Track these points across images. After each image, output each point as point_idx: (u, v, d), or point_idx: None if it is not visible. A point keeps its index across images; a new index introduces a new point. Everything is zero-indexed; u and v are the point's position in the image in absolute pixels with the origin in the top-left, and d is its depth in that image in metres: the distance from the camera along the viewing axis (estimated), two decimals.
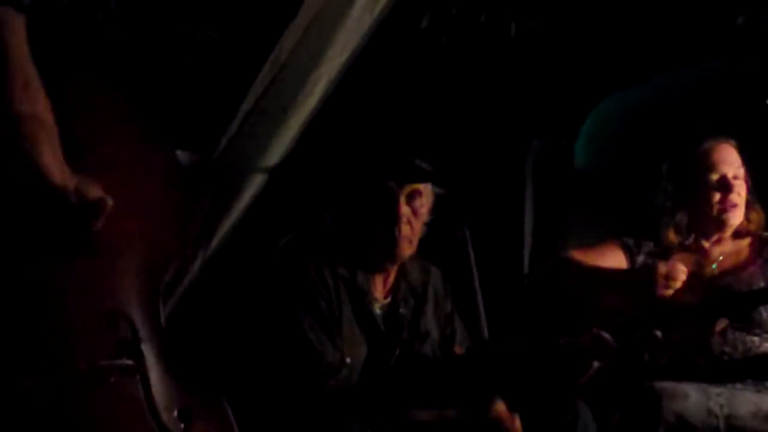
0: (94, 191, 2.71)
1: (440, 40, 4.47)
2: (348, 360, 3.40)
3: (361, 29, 3.83)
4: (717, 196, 3.85)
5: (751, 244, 3.91)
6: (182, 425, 2.88)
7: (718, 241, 3.92)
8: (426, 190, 3.50)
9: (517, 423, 3.36)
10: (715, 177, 3.85)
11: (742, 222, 3.90)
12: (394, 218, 3.44)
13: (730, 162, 3.87)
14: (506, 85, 4.68)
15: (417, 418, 3.34)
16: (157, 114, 3.12)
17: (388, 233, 3.44)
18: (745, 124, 4.08)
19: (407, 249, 3.49)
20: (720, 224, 3.88)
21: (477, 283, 3.52)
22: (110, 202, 2.72)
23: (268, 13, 3.90)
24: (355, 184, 3.51)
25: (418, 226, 3.50)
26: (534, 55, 4.63)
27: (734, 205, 3.85)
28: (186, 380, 2.93)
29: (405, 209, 3.45)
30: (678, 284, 3.69)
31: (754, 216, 3.91)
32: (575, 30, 4.60)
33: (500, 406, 3.37)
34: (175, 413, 2.87)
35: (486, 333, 3.56)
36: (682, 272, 3.70)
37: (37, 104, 2.56)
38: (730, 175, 3.85)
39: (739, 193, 3.86)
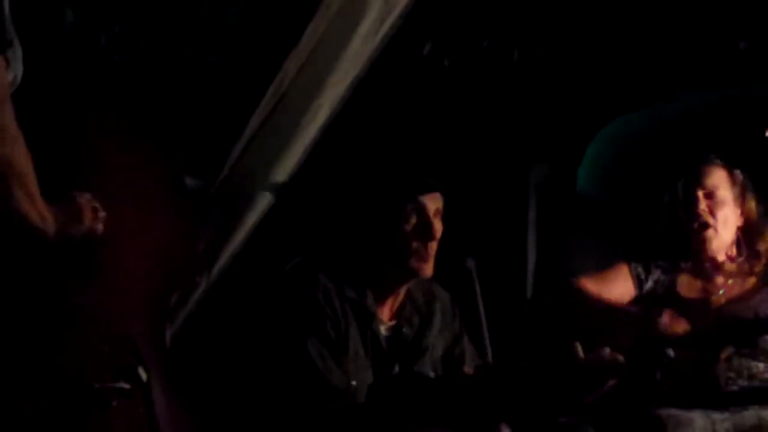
0: (80, 224, 2.71)
1: (443, 65, 4.47)
2: (354, 383, 3.38)
3: (363, 56, 3.83)
4: (683, 215, 3.86)
5: (758, 272, 3.89)
6: None
7: (718, 267, 3.90)
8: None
9: None
10: (682, 194, 3.86)
11: (752, 249, 3.88)
12: (431, 235, 3.42)
13: (703, 180, 3.86)
14: (509, 110, 4.69)
15: None
16: (162, 140, 3.12)
17: (420, 250, 3.42)
18: (750, 151, 4.07)
19: (431, 268, 3.46)
20: (697, 244, 3.87)
21: (482, 313, 3.50)
22: (100, 229, 2.72)
23: (271, 38, 3.91)
24: (380, 202, 3.49)
25: (437, 246, 3.49)
26: (537, 81, 4.64)
27: (703, 223, 3.84)
28: (190, 404, 2.94)
29: (439, 225, 3.45)
30: (679, 328, 3.70)
31: (763, 242, 3.90)
32: (578, 55, 4.61)
33: (505, 428, 3.35)
34: None
35: (490, 352, 3.54)
36: (681, 326, 3.70)
37: (7, 147, 2.48)
38: (699, 193, 3.84)
39: (710, 211, 3.85)
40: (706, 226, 3.85)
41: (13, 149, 2.50)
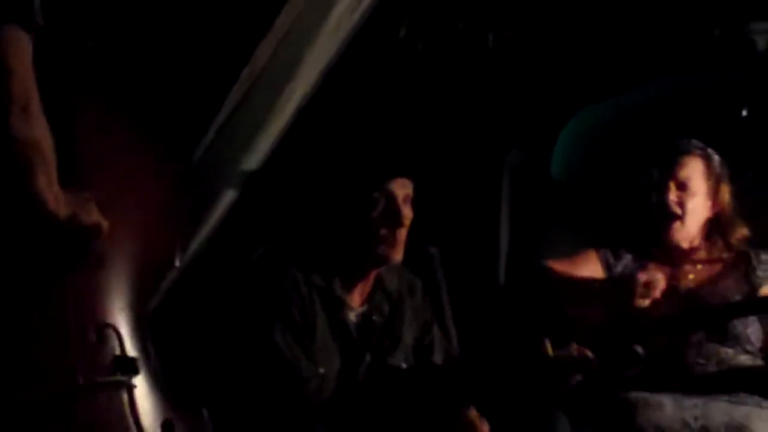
0: (90, 216, 2.72)
1: (417, 49, 4.47)
2: (321, 370, 3.40)
3: (337, 40, 3.82)
4: (653, 196, 3.88)
5: (727, 258, 3.92)
6: None
7: (684, 252, 3.92)
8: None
9: (486, 428, 3.36)
10: (655, 179, 3.87)
11: (725, 240, 3.90)
12: (398, 221, 3.42)
13: (677, 170, 3.87)
14: (484, 95, 4.69)
15: None
16: (144, 124, 3.12)
17: (388, 236, 3.42)
18: (723, 137, 4.08)
19: (401, 254, 3.47)
20: (663, 231, 3.89)
21: (446, 301, 3.52)
22: (105, 225, 2.74)
23: (247, 23, 3.90)
24: (346, 187, 3.50)
25: (406, 232, 3.50)
26: (512, 66, 4.64)
27: (671, 213, 3.86)
28: (168, 392, 2.94)
29: (408, 212, 3.45)
30: (657, 293, 3.70)
31: (736, 233, 3.92)
32: (553, 41, 4.61)
33: (471, 411, 3.37)
34: (159, 427, 2.89)
35: (456, 342, 3.55)
36: (660, 280, 3.71)
37: (34, 129, 2.53)
38: (672, 183, 3.86)
39: (679, 201, 3.86)
40: (672, 216, 3.87)
41: (40, 132, 2.53)
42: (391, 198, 3.43)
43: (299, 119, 3.86)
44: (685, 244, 3.90)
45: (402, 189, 3.45)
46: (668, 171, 3.89)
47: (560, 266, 3.93)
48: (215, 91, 3.83)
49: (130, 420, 2.82)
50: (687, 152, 3.92)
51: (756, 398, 3.66)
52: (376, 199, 3.43)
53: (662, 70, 4.61)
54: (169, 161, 3.17)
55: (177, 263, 3.10)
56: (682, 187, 3.87)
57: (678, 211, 3.86)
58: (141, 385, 2.86)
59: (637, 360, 3.63)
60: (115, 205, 2.85)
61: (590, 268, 3.96)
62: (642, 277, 3.71)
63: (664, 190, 3.86)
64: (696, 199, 3.87)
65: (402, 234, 3.44)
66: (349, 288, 3.51)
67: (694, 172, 3.89)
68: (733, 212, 3.92)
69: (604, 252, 3.98)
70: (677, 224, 3.87)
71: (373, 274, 3.54)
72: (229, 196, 3.82)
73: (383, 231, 3.42)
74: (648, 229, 3.94)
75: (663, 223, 3.88)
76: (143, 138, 3.09)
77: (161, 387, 2.92)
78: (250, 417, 3.36)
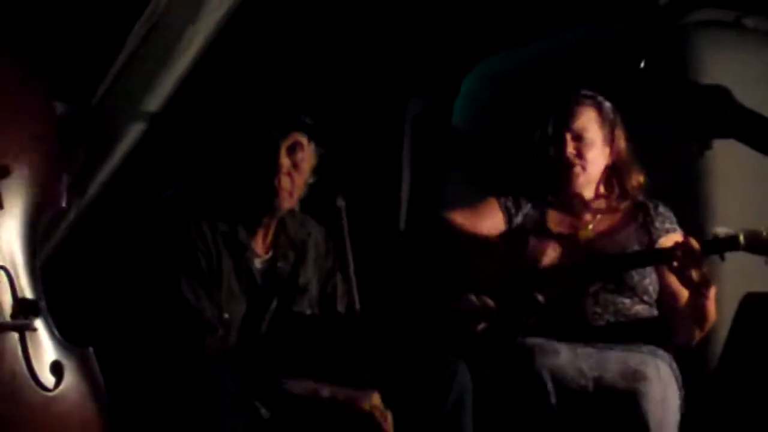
0: None
1: None
2: (226, 316, 3.38)
3: None
4: (552, 150, 3.90)
5: (626, 208, 3.95)
6: (54, 380, 2.88)
7: (584, 203, 3.95)
8: (308, 145, 3.48)
9: (390, 419, 3.37)
10: (551, 132, 3.89)
11: (621, 186, 3.94)
12: (274, 168, 3.42)
13: (573, 120, 3.90)
14: (385, 42, 4.67)
15: (291, 390, 3.34)
16: (33, 63, 3.05)
17: (267, 184, 3.42)
18: (621, 88, 4.11)
19: (287, 201, 3.47)
20: (564, 181, 3.92)
21: (350, 253, 3.51)
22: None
23: None
24: (237, 135, 3.48)
25: (300, 181, 3.48)
26: (413, 13, 4.63)
27: (572, 164, 3.88)
28: (56, 333, 2.92)
29: (285, 160, 3.43)
30: (547, 260, 3.74)
31: (632, 179, 3.95)
32: None
33: (375, 398, 3.37)
34: (48, 368, 2.87)
35: (356, 294, 3.55)
36: (548, 256, 3.74)
37: None
38: (568, 135, 3.88)
39: (579, 153, 3.89)
40: (572, 167, 3.89)
41: None
42: (273, 146, 3.42)
43: (202, 62, 3.82)
44: (587, 193, 3.93)
45: (288, 138, 3.45)
46: (563, 123, 3.91)
47: (461, 217, 3.93)
48: (116, 32, 3.76)
49: (23, 363, 2.83)
50: (579, 103, 3.93)
51: (651, 347, 3.71)
52: (258, 147, 3.42)
53: (564, 21, 4.63)
54: (53, 101, 3.10)
55: (63, 204, 3.05)
56: (578, 138, 3.89)
57: (577, 162, 3.88)
58: (32, 326, 2.87)
59: (536, 307, 3.66)
60: (8, 146, 2.82)
61: (492, 217, 3.96)
62: (532, 245, 3.74)
63: (562, 143, 3.88)
64: (594, 149, 3.89)
65: (283, 182, 3.44)
66: (253, 234, 3.50)
67: (589, 122, 3.91)
68: (629, 158, 3.95)
69: (505, 201, 3.98)
70: (577, 171, 3.89)
71: (272, 222, 3.53)
72: (129, 138, 3.78)
73: (265, 178, 3.42)
74: (548, 180, 3.95)
75: (563, 174, 3.90)
76: (26, 77, 3.03)
77: (51, 329, 2.93)
78: (153, 363, 3.34)
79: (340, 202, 3.50)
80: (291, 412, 3.32)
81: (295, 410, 3.32)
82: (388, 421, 3.35)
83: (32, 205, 2.94)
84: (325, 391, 3.35)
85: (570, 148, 3.87)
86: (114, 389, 3.03)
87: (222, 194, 3.50)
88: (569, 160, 3.87)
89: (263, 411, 3.29)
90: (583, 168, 3.89)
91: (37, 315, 2.86)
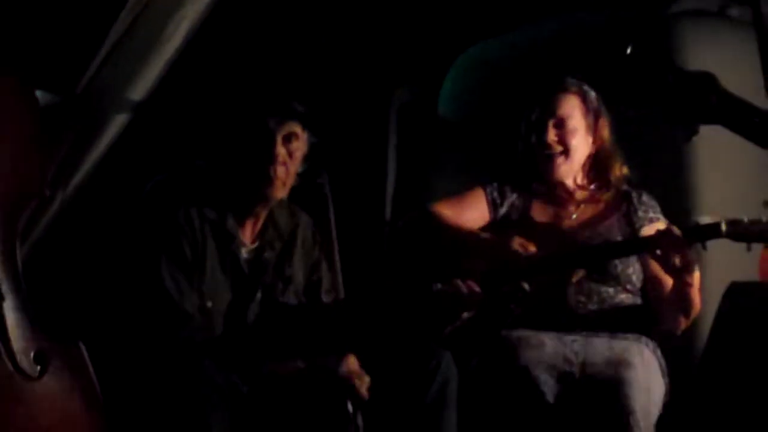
0: None
1: None
2: (209, 304, 3.39)
3: None
4: (533, 138, 3.90)
5: (610, 198, 3.96)
6: (38, 368, 2.88)
7: (569, 192, 3.95)
8: (302, 134, 3.49)
9: (367, 380, 3.38)
10: (533, 119, 3.89)
11: (604, 176, 3.95)
12: (271, 158, 3.42)
13: (554, 108, 3.90)
14: (371, 32, 4.67)
15: (271, 369, 3.34)
16: (15, 53, 3.04)
17: (262, 173, 3.43)
18: (607, 75, 4.11)
19: (280, 191, 3.48)
20: (546, 171, 3.92)
21: (334, 231, 3.52)
22: None
23: None
24: (232, 123, 3.48)
25: (293, 170, 3.50)
26: (401, 3, 4.63)
27: (554, 153, 3.88)
28: (42, 323, 2.92)
29: (281, 150, 3.44)
30: (531, 250, 3.74)
31: (615, 169, 3.96)
32: None
33: (352, 362, 3.39)
34: (32, 356, 2.88)
35: (341, 281, 3.55)
36: (532, 252, 3.75)
37: None
38: (550, 122, 3.88)
39: (561, 140, 3.89)
40: (554, 155, 3.89)
41: None
42: (268, 134, 3.42)
43: (189, 49, 3.82)
44: (569, 182, 3.94)
45: (284, 127, 3.45)
46: (546, 110, 3.91)
47: (447, 207, 3.94)
48: (101, 20, 3.75)
49: (1, 348, 2.84)
50: (562, 90, 3.94)
51: (636, 335, 3.72)
52: (254, 136, 3.42)
53: (551, 9, 4.63)
54: (32, 89, 3.10)
55: (46, 193, 3.05)
56: (561, 125, 3.89)
57: (559, 149, 3.88)
58: (12, 313, 2.88)
59: (523, 295, 3.66)
60: None
61: (477, 208, 3.97)
62: (515, 245, 3.74)
63: (544, 130, 3.88)
64: (577, 137, 3.90)
65: (279, 172, 3.44)
66: (241, 223, 3.50)
67: (572, 110, 3.91)
68: (612, 147, 3.96)
69: (491, 191, 3.99)
70: (559, 161, 3.89)
71: (263, 211, 3.54)
72: (115, 126, 3.78)
73: (260, 167, 3.42)
74: (531, 168, 3.96)
75: (546, 162, 3.91)
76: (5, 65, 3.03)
77: (32, 318, 2.92)
78: (135, 352, 3.34)
79: (323, 178, 3.52)
80: (270, 386, 3.33)
81: (274, 384, 3.34)
82: (365, 383, 3.36)
83: (12, 194, 2.93)
84: (302, 363, 3.36)
85: (552, 135, 3.87)
86: (103, 381, 3.03)
87: (212, 182, 3.50)
88: (551, 148, 3.87)
89: (243, 387, 3.29)
90: (566, 156, 3.89)
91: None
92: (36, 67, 3.13)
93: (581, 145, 3.92)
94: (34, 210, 3.11)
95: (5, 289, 2.87)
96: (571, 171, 3.93)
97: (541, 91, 3.95)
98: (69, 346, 2.98)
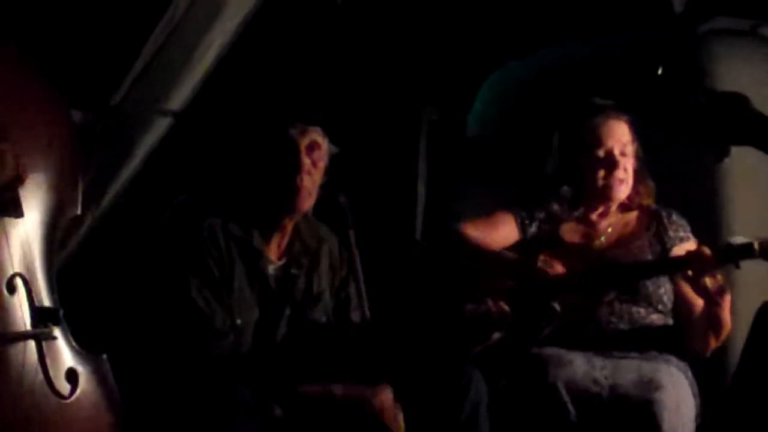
0: (5, 168, 2.70)
1: (336, 3, 4.45)
2: (238, 322, 3.38)
3: None
4: (602, 172, 3.87)
5: (639, 217, 3.95)
6: (69, 387, 2.88)
7: (606, 214, 3.94)
8: (323, 143, 3.49)
9: (401, 416, 3.36)
10: (601, 153, 3.86)
11: (631, 195, 3.93)
12: (297, 168, 3.42)
13: (617, 138, 3.88)
14: (402, 51, 4.67)
15: (304, 390, 3.33)
16: (49, 72, 3.06)
17: (289, 183, 3.42)
18: (638, 97, 4.10)
19: (307, 201, 3.47)
20: (605, 198, 3.90)
21: (356, 249, 3.51)
22: (24, 177, 2.72)
23: None
24: (255, 137, 3.48)
25: (318, 179, 3.49)
26: (430, 23, 4.63)
27: (620, 181, 3.87)
28: (72, 340, 2.93)
29: (306, 159, 3.44)
30: (561, 270, 3.74)
31: (643, 189, 3.94)
32: None
33: (386, 395, 3.37)
34: (64, 375, 2.87)
35: (366, 298, 3.54)
36: (558, 270, 3.74)
37: None
38: (616, 151, 3.85)
39: (626, 169, 3.87)
40: (622, 182, 3.88)
41: None
42: (292, 145, 3.42)
43: (220, 69, 3.83)
44: (627, 199, 3.93)
45: (306, 137, 3.45)
46: (605, 143, 3.88)
47: (475, 228, 3.93)
48: (134, 39, 3.77)
49: (39, 371, 2.84)
50: (615, 118, 3.92)
51: (666, 356, 3.71)
52: (277, 146, 3.42)
53: (581, 30, 4.63)
54: (69, 109, 3.12)
55: (78, 211, 3.06)
56: (624, 153, 3.87)
57: (623, 176, 3.87)
58: (57, 335, 2.88)
59: (554, 315, 3.66)
60: (25, 154, 2.83)
61: (506, 228, 3.96)
62: (541, 263, 3.74)
63: (614, 162, 3.84)
64: (631, 163, 3.89)
65: (305, 181, 3.44)
66: (267, 239, 3.50)
67: (626, 135, 3.90)
68: (641, 168, 3.95)
69: (518, 212, 3.98)
70: (624, 188, 3.88)
71: (289, 226, 3.54)
72: (147, 143, 3.79)
73: (285, 178, 3.42)
74: (583, 194, 3.93)
75: (611, 190, 3.86)
76: (43, 87, 3.05)
77: (68, 337, 2.93)
78: (165, 370, 3.34)
79: (343, 199, 3.51)
80: (304, 411, 3.32)
81: (308, 409, 3.33)
82: (399, 421, 3.35)
83: (50, 212, 2.95)
84: (338, 389, 3.35)
85: (622, 167, 3.85)
86: (129, 397, 3.04)
87: (236, 199, 3.50)
88: (622, 176, 3.86)
89: (277, 410, 3.28)
90: (628, 183, 3.88)
91: (56, 323, 2.87)
92: (69, 84, 3.15)
93: (630, 166, 3.91)
94: (67, 227, 3.14)
95: (43, 309, 2.88)
96: (628, 190, 3.91)
97: (586, 116, 3.93)
98: (95, 360, 2.99)
